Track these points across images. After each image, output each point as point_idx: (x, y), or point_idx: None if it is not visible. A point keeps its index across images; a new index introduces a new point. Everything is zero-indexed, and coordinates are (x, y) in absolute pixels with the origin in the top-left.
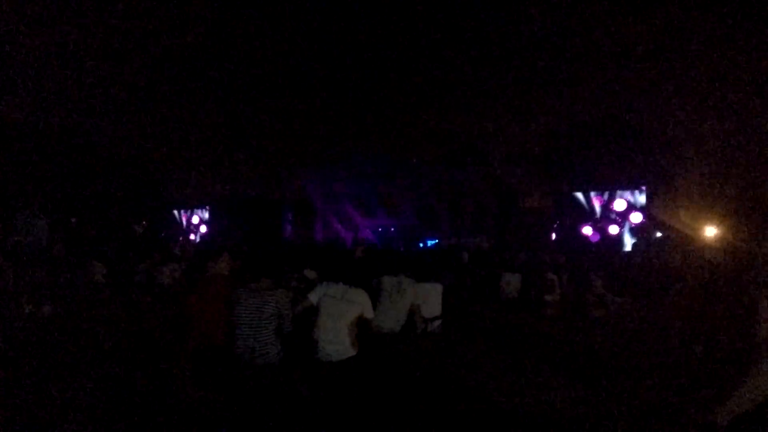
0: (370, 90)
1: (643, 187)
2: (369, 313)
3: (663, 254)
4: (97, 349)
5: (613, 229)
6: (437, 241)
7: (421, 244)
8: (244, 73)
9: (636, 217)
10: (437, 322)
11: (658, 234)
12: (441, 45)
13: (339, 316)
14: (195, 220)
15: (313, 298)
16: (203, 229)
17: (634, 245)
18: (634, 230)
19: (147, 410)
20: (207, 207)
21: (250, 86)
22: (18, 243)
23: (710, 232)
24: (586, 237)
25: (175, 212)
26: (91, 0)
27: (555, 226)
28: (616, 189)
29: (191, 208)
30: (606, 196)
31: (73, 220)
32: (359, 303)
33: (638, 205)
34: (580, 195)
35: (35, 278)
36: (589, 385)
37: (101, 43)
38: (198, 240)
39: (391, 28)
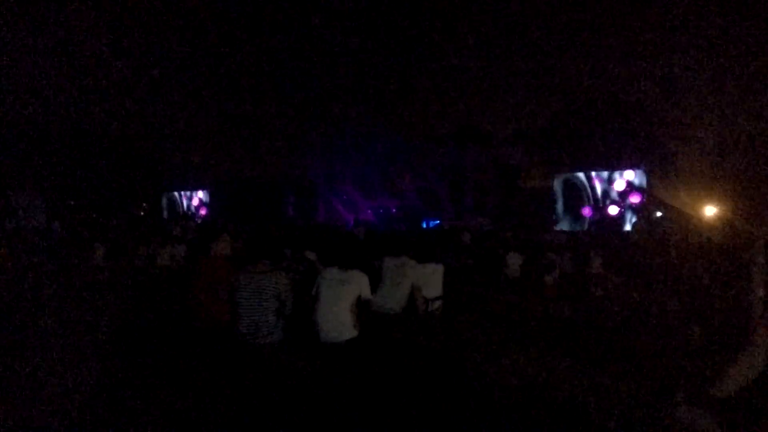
0: (372, 72)
1: (642, 167)
2: (367, 294)
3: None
4: (98, 331)
5: (613, 210)
6: (439, 221)
7: (423, 225)
8: (245, 55)
9: (635, 197)
10: (438, 303)
11: (658, 213)
12: (442, 26)
13: (338, 297)
14: (195, 201)
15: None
16: (204, 210)
17: (633, 224)
18: (635, 210)
19: (150, 391)
20: (208, 189)
21: (251, 67)
22: (17, 226)
23: (710, 211)
24: (583, 215)
25: (176, 194)
26: None
27: (555, 206)
28: (617, 169)
29: (192, 190)
30: (606, 175)
31: (72, 202)
32: (357, 284)
33: (638, 185)
34: (581, 175)
35: (35, 260)
36: (588, 363)
37: (99, 27)
38: (199, 221)
39: (393, 10)
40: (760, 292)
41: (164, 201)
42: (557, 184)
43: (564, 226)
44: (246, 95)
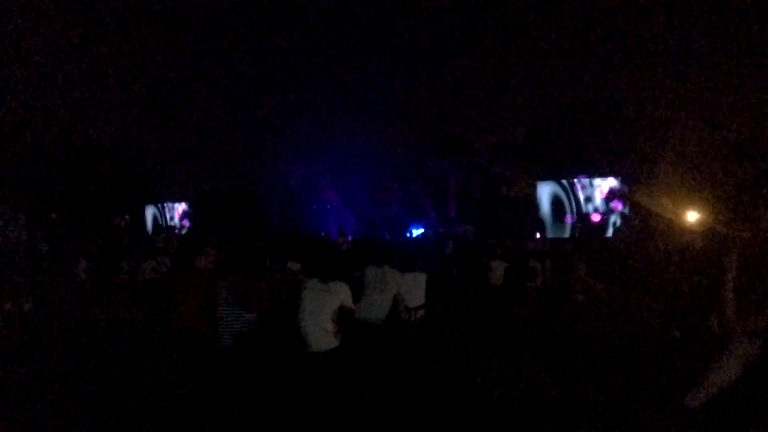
0: (355, 82)
1: (623, 174)
2: (350, 304)
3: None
4: (80, 346)
5: (595, 217)
6: (422, 230)
7: (407, 234)
8: (227, 66)
9: (617, 204)
10: (421, 312)
11: (639, 220)
12: (427, 37)
13: (320, 307)
14: (178, 213)
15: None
16: (186, 222)
17: (615, 231)
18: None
19: (133, 404)
20: (190, 200)
21: (234, 78)
22: None
23: (690, 217)
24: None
25: (158, 206)
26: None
27: (538, 214)
28: (598, 176)
29: (174, 201)
30: (587, 183)
31: (53, 215)
32: (340, 294)
33: (620, 192)
34: (563, 182)
35: (15, 275)
36: (569, 368)
37: (81, 40)
38: (182, 233)
39: (377, 20)
40: (731, 296)
41: (146, 213)
42: (540, 192)
43: (547, 233)
44: (228, 105)
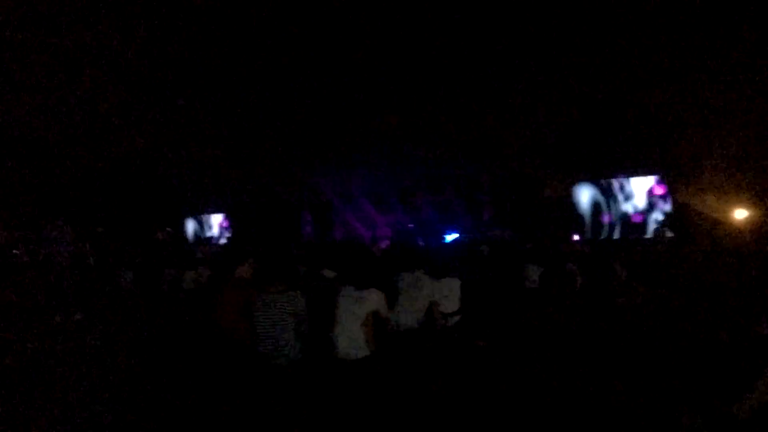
0: (385, 88)
1: (665, 173)
2: (384, 311)
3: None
4: (126, 355)
5: (636, 217)
6: (457, 235)
7: (441, 239)
8: (257, 75)
9: (659, 203)
10: (456, 318)
11: (684, 220)
12: (452, 38)
13: (355, 315)
14: (217, 224)
15: None
16: (225, 233)
17: (655, 231)
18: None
19: (174, 413)
20: (227, 211)
21: (263, 88)
22: (48, 255)
23: (738, 216)
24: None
25: (198, 217)
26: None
27: (574, 215)
28: (637, 175)
29: (213, 212)
30: (627, 182)
31: (100, 229)
32: (374, 301)
33: (661, 191)
34: (601, 182)
35: (65, 288)
36: (612, 376)
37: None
38: (220, 243)
39: (404, 24)
40: None
41: (187, 224)
42: (576, 193)
43: (584, 235)
44: (260, 114)
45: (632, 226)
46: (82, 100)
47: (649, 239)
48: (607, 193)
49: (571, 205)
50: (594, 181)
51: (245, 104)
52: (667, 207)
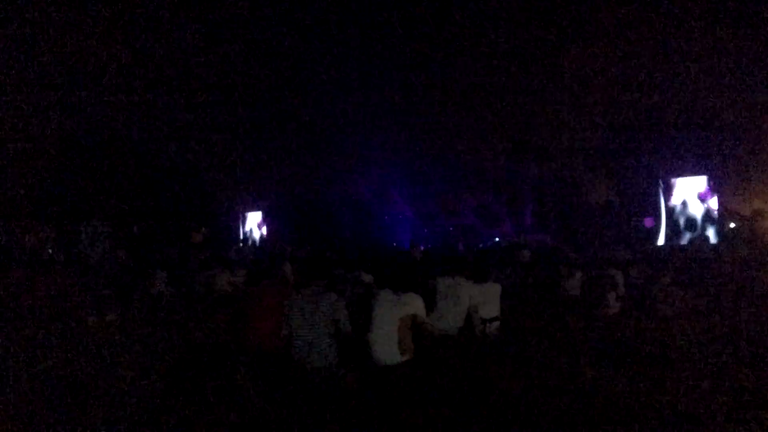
0: (426, 91)
1: (709, 175)
2: (422, 316)
3: (735, 247)
4: (160, 356)
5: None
6: (498, 239)
7: (482, 244)
8: (298, 78)
9: (704, 208)
10: (496, 324)
11: (732, 225)
12: (501, 38)
13: (392, 319)
14: (253, 224)
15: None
16: (261, 233)
17: (699, 237)
18: (707, 221)
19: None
20: (264, 211)
21: (304, 91)
22: (81, 253)
23: None
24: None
25: (234, 218)
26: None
27: (618, 220)
28: (681, 176)
29: (249, 212)
30: (670, 184)
31: (135, 229)
32: (412, 306)
33: (706, 194)
34: (645, 185)
35: (99, 288)
36: (654, 385)
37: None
38: (257, 245)
39: (443, 26)
40: None
41: (223, 226)
42: (619, 197)
43: (628, 239)
44: (300, 116)
45: (645, 230)
46: (121, 101)
47: (694, 244)
48: (654, 196)
49: (614, 210)
50: (637, 183)
51: (283, 105)
52: (713, 212)
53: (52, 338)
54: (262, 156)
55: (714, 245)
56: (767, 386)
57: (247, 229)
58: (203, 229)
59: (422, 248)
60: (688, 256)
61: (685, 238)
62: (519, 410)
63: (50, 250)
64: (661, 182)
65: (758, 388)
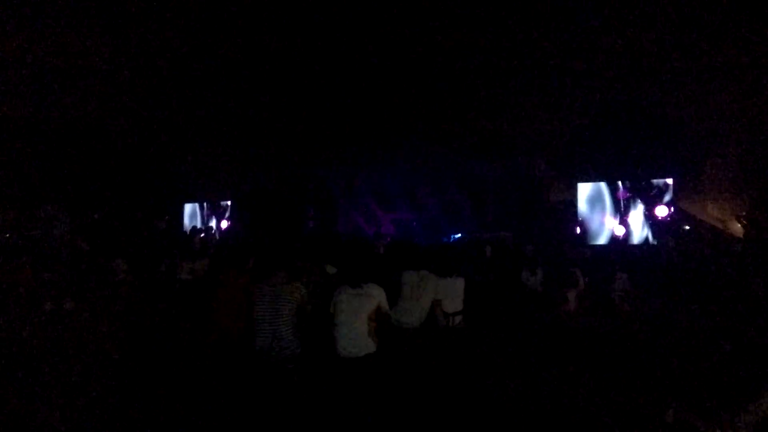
0: (390, 82)
1: (669, 177)
2: (386, 307)
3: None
4: (118, 345)
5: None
6: (461, 235)
7: (445, 239)
8: (264, 67)
9: (661, 211)
10: (459, 318)
11: (686, 227)
12: (460, 33)
13: (356, 311)
14: (217, 213)
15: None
16: (224, 223)
17: (659, 238)
18: (661, 223)
19: (166, 405)
20: (227, 202)
21: (270, 80)
22: (35, 237)
23: (739, 224)
24: (611, 232)
25: (197, 205)
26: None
27: (579, 220)
28: (642, 179)
29: (212, 201)
30: (630, 185)
31: (96, 215)
32: (375, 297)
33: (665, 196)
34: (603, 186)
35: (57, 274)
36: (610, 381)
37: (118, 38)
38: (219, 235)
39: (411, 22)
40: None
41: (185, 213)
42: (580, 196)
43: (587, 239)
44: (265, 106)
45: (632, 231)
46: (83, 86)
47: (651, 245)
48: (611, 196)
49: (575, 209)
50: (597, 183)
51: (249, 96)
52: (671, 214)
53: (6, 323)
54: (228, 145)
55: (672, 246)
56: (727, 386)
57: (212, 218)
58: (166, 216)
59: (386, 241)
60: (645, 256)
61: (641, 239)
62: (482, 402)
63: (7, 235)
64: (619, 183)
65: (717, 387)
